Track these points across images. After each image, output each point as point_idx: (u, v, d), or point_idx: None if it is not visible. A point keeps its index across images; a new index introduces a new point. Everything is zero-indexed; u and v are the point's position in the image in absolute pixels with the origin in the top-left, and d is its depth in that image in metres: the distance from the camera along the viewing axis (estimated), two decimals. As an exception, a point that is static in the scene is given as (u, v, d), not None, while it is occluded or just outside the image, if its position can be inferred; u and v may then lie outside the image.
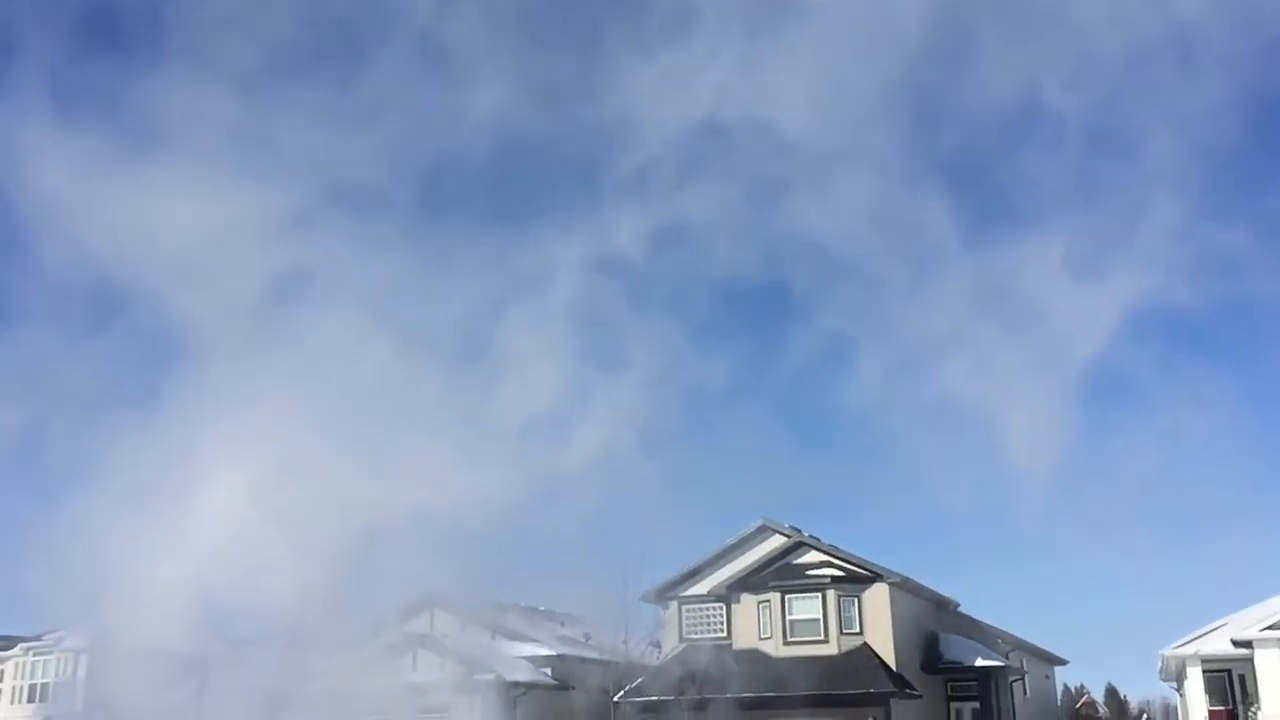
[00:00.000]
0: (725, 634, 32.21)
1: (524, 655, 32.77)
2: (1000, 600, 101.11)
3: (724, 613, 32.51)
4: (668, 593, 33.03)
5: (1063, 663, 44.69)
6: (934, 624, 34.01)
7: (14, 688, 38.31)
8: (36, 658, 37.63)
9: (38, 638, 36.85)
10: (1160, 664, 34.40)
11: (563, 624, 37.27)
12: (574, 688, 30.04)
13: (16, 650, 38.28)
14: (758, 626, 31.43)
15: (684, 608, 33.08)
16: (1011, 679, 34.32)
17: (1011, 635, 34.73)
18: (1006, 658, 33.43)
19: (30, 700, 37.16)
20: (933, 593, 33.99)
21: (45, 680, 37.13)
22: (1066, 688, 59.21)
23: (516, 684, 30.58)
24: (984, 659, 32.21)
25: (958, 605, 34.90)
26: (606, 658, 28.97)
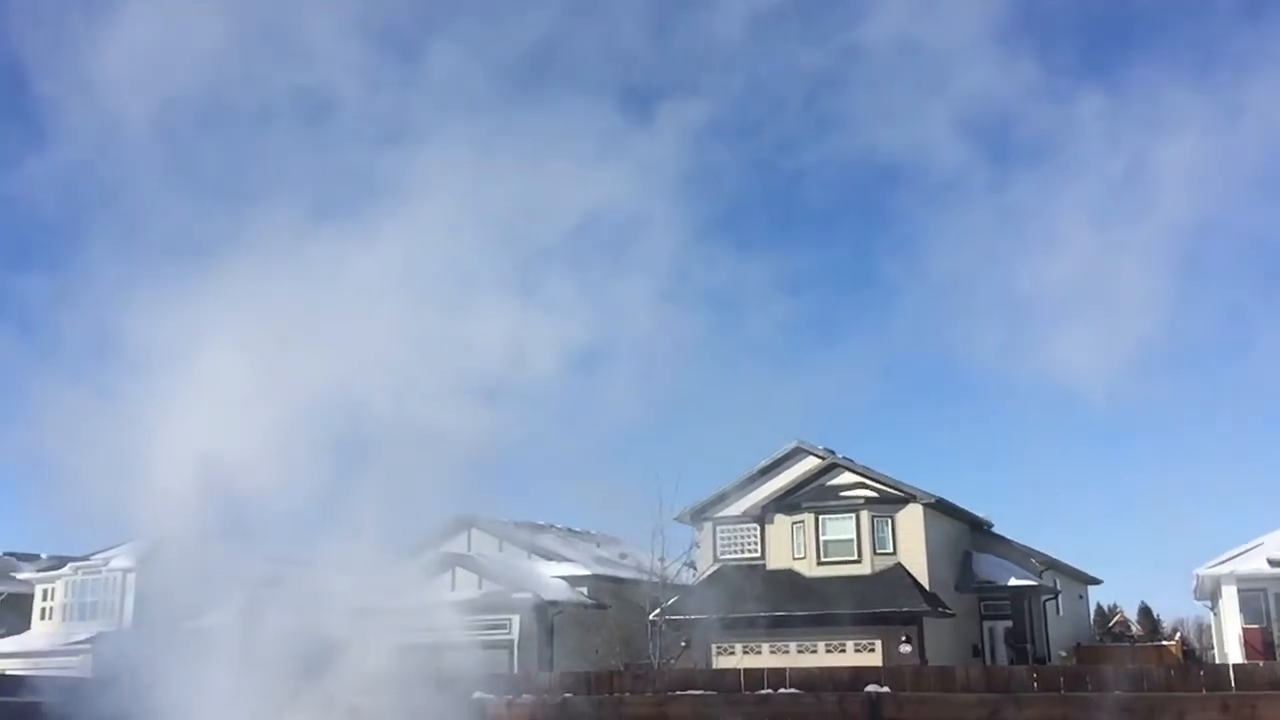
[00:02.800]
0: (759, 554, 32.48)
1: (560, 575, 33.17)
2: (1034, 521, 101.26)
3: (758, 533, 32.74)
4: (702, 514, 33.27)
5: (1096, 582, 44.77)
6: (967, 544, 34.10)
7: (64, 605, 39.35)
8: (85, 577, 38.54)
9: (86, 558, 37.68)
10: (1195, 583, 34.34)
11: (598, 545, 37.65)
12: (609, 607, 30.42)
13: (66, 570, 39.22)
14: (791, 547, 31.65)
15: (718, 529, 33.35)
16: (1044, 598, 34.45)
17: (1044, 555, 34.76)
18: (1039, 577, 33.52)
19: (80, 618, 38.16)
20: (966, 513, 34.03)
21: (94, 599, 38.10)
22: (1099, 607, 59.43)
23: (553, 603, 31.01)
24: (1017, 578, 32.32)
25: (991, 525, 34.94)
26: (642, 577, 29.25)
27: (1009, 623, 32.47)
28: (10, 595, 43.28)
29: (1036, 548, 34.77)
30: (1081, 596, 43.60)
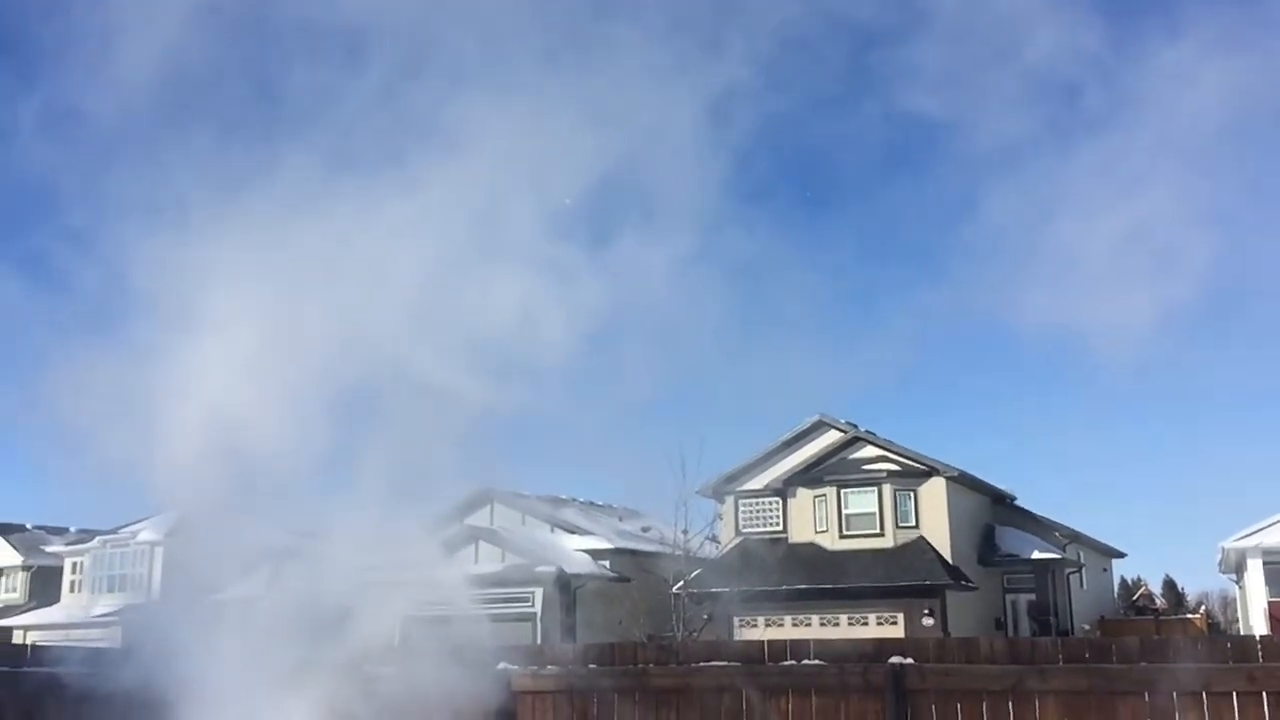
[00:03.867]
0: (781, 528, 32.51)
1: (583, 549, 33.31)
2: (1059, 494, 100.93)
3: (780, 507, 32.76)
4: (724, 487, 33.31)
5: (1120, 555, 44.63)
6: (990, 517, 34.03)
7: (93, 579, 39.85)
8: (114, 550, 39.02)
9: (113, 531, 38.11)
10: (1220, 556, 34.17)
11: (620, 518, 37.76)
12: (632, 580, 30.53)
13: (94, 543, 39.69)
14: (814, 520, 31.65)
15: (740, 502, 33.40)
16: (1068, 571, 34.37)
17: (1068, 528, 34.65)
18: (1063, 550, 33.42)
19: (109, 590, 38.64)
20: (989, 486, 33.94)
21: (122, 571, 38.56)
22: (1124, 580, 59.31)
23: (576, 576, 31.15)
24: (1040, 551, 32.25)
25: (1014, 499, 34.85)
26: (665, 551, 29.35)
27: (1032, 596, 32.44)
28: (39, 568, 43.89)
29: (1060, 521, 34.68)
30: (1105, 570, 43.48)
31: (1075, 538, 35.08)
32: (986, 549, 32.68)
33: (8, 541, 45.61)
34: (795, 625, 28.93)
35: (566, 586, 31.02)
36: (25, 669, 9.49)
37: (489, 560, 31.77)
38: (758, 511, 33.24)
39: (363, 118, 9.81)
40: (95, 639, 30.01)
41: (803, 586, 29.22)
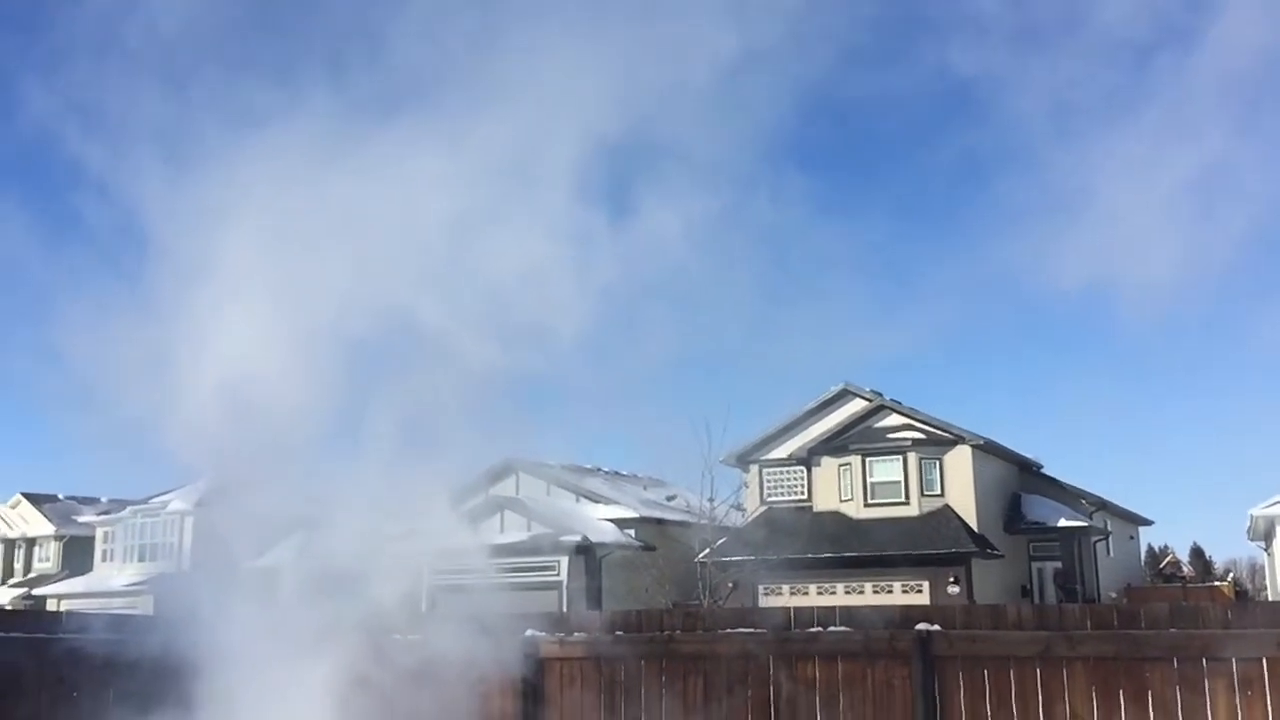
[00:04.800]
0: (806, 497, 32.51)
1: (608, 518, 33.43)
2: (1085, 462, 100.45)
3: (805, 476, 32.76)
4: (749, 456, 33.33)
5: (1147, 523, 44.41)
6: (1016, 485, 33.91)
7: (125, 548, 40.37)
8: (145, 519, 39.50)
9: (144, 501, 38.55)
10: (1249, 523, 33.97)
11: (645, 487, 37.87)
12: (657, 549, 30.64)
13: (126, 513, 40.19)
14: (838, 489, 31.63)
15: (765, 471, 33.42)
16: (1094, 539, 34.24)
17: (1095, 496, 34.48)
18: (1090, 518, 33.28)
19: (140, 559, 39.14)
20: (1016, 455, 33.80)
21: (153, 541, 39.04)
22: (1150, 548, 59.07)
23: (601, 545, 31.28)
24: (1067, 519, 32.13)
25: (1041, 467, 34.69)
26: (689, 520, 29.43)
27: (1058, 564, 32.35)
28: (72, 538, 44.51)
29: (1087, 489, 34.52)
30: (1132, 537, 43.29)
31: (1102, 505, 34.92)
32: (1012, 517, 32.59)
33: (41, 512, 46.27)
34: (820, 594, 28.97)
35: (591, 555, 31.17)
36: (53, 635, 9.59)
37: (514, 529, 31.95)
38: (782, 480, 33.26)
39: (391, 62, 9.55)
40: (128, 607, 30.44)
41: (828, 555, 29.24)
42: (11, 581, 45.85)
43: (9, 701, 8.90)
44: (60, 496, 46.28)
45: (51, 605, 37.62)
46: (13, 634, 9.28)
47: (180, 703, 8.71)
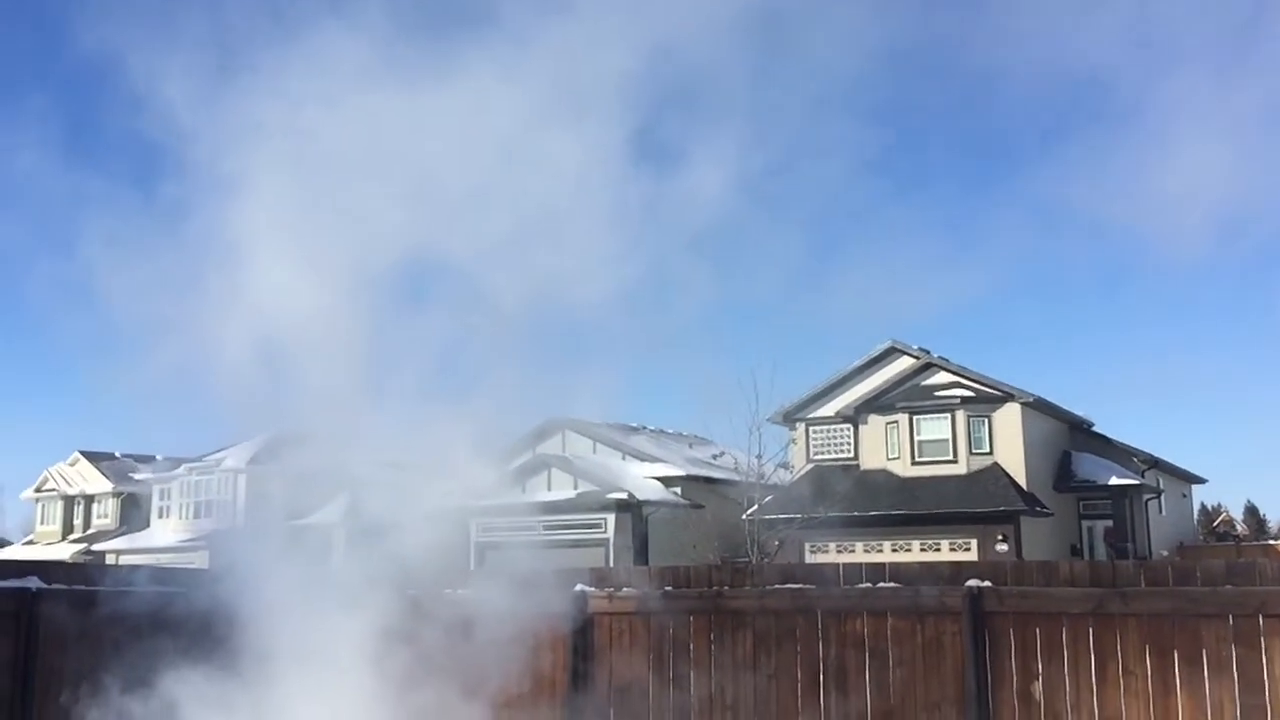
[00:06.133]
0: (853, 455, 32.41)
1: (654, 476, 33.56)
2: (1138, 420, 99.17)
3: (852, 434, 32.64)
4: (795, 414, 33.24)
5: (1201, 481, 43.86)
6: (1067, 443, 33.57)
7: (181, 505, 41.17)
8: (200, 477, 40.22)
9: (200, 459, 39.20)
10: (1305, 483, 33.40)
11: (691, 445, 37.94)
12: (704, 506, 30.72)
13: (181, 470, 40.92)
14: (885, 447, 31.49)
15: (811, 429, 33.33)
16: (1146, 497, 33.88)
17: (1147, 454, 34.06)
18: (1142, 476, 32.92)
19: (196, 516, 39.90)
20: (1066, 412, 33.44)
21: (208, 498, 39.76)
22: (1204, 506, 58.30)
23: (647, 502, 31.43)
24: (1118, 478, 31.78)
25: (1092, 425, 34.30)
26: (735, 478, 29.45)
27: (1109, 522, 32.03)
28: (129, 495, 45.42)
29: (1139, 447, 34.11)
30: (1185, 496, 42.77)
31: (1154, 463, 34.50)
32: (1062, 475, 32.28)
33: (99, 469, 47.23)
34: (867, 552, 28.93)
35: (637, 513, 31.33)
36: (98, 588, 9.72)
37: (561, 487, 32.19)
38: (829, 439, 33.16)
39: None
40: (183, 563, 31.04)
41: (874, 513, 29.17)
42: (72, 537, 46.94)
43: (53, 653, 9.07)
44: (117, 454, 47.16)
45: (110, 560, 38.47)
46: (54, 586, 9.42)
47: (224, 655, 8.84)
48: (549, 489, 32.27)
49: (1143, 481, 32.85)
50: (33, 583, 9.20)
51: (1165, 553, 34.06)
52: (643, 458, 35.14)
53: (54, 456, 50.29)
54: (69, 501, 48.14)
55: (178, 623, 9.22)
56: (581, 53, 8.87)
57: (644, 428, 38.67)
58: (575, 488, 32.00)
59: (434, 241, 9.14)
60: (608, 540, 31.04)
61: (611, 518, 31.30)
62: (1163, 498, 35.84)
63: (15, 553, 48.01)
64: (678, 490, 32.93)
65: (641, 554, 30.36)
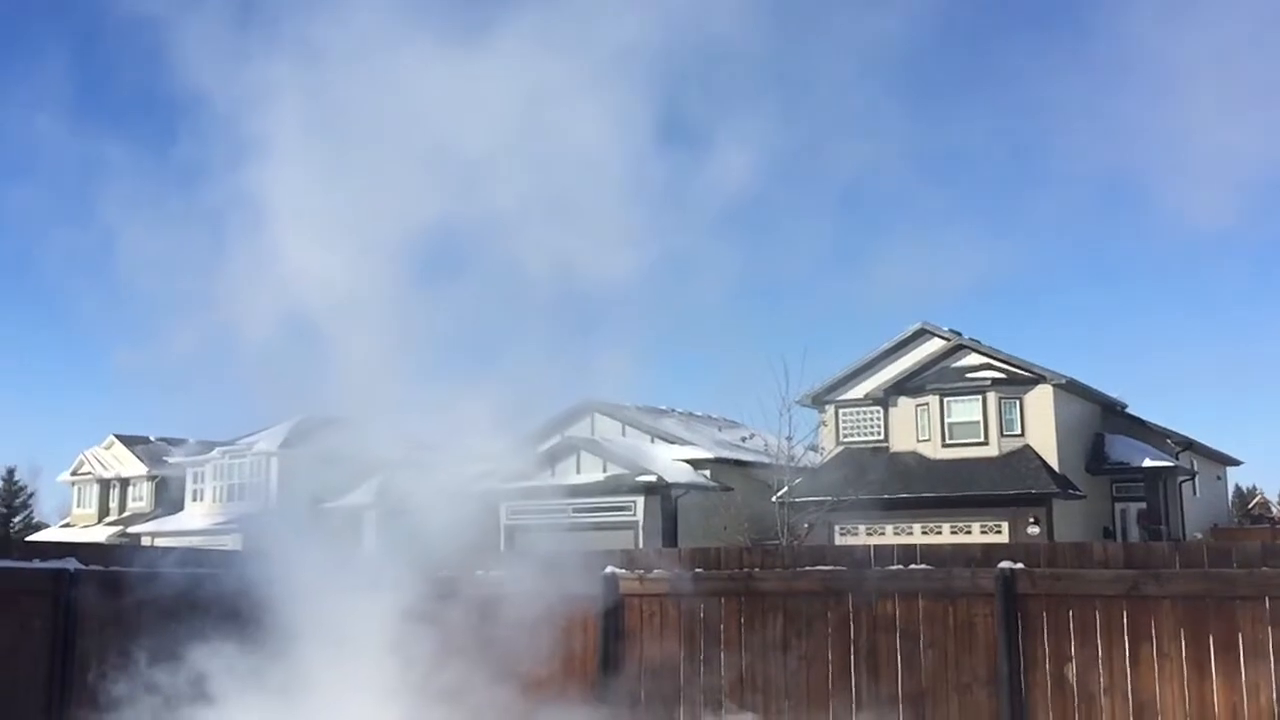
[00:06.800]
0: (883, 437, 32.27)
1: (683, 458, 33.54)
2: (1172, 402, 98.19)
3: (881, 416, 32.49)
4: (825, 397, 33.12)
5: (1236, 463, 43.40)
6: (1100, 425, 33.28)
7: (213, 488, 41.59)
8: (233, 460, 40.60)
9: (232, 442, 39.54)
10: (1343, 465, 32.99)
11: (720, 428, 37.88)
12: (732, 489, 30.70)
13: (214, 453, 41.32)
14: (915, 429, 31.33)
15: (841, 411, 33.21)
16: (1180, 479, 33.56)
17: (1181, 435, 33.72)
18: (1175, 458, 32.60)
19: (228, 499, 40.29)
20: (1099, 394, 33.15)
21: (240, 481, 40.14)
22: (1238, 488, 57.75)
23: (677, 485, 31.43)
24: (1151, 460, 31.49)
25: (1125, 406, 33.99)
26: (765, 460, 29.39)
27: (1142, 505, 31.76)
28: (164, 478, 45.91)
29: (1173, 428, 33.77)
30: (1219, 478, 42.33)
31: (1188, 445, 34.15)
32: (1095, 458, 32.03)
33: (133, 453, 47.77)
34: (897, 534, 28.85)
35: (667, 495, 31.34)
36: (132, 569, 9.80)
37: (590, 470, 32.25)
38: (859, 421, 33.04)
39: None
40: (216, 546, 31.35)
41: (904, 495, 29.05)
42: (107, 520, 47.54)
43: (90, 631, 9.16)
44: (151, 438, 47.66)
45: (145, 542, 38.91)
46: (91, 567, 9.50)
47: (254, 635, 8.91)
48: (578, 472, 32.34)
49: (1177, 464, 32.54)
50: (70, 564, 9.31)
51: (1199, 535, 33.75)
52: (672, 440, 35.14)
53: (89, 440, 51.03)
54: (104, 485, 48.73)
55: (209, 603, 9.29)
56: (613, 22, 8.75)
57: (673, 410, 38.65)
58: (604, 470, 32.05)
59: (459, 213, 9.08)
60: (637, 523, 31.09)
61: (640, 500, 31.33)
62: (1197, 480, 35.49)
63: (52, 535, 48.72)
64: (707, 473, 32.91)
65: (670, 537, 30.39)
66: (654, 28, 8.91)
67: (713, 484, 31.97)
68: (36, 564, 9.27)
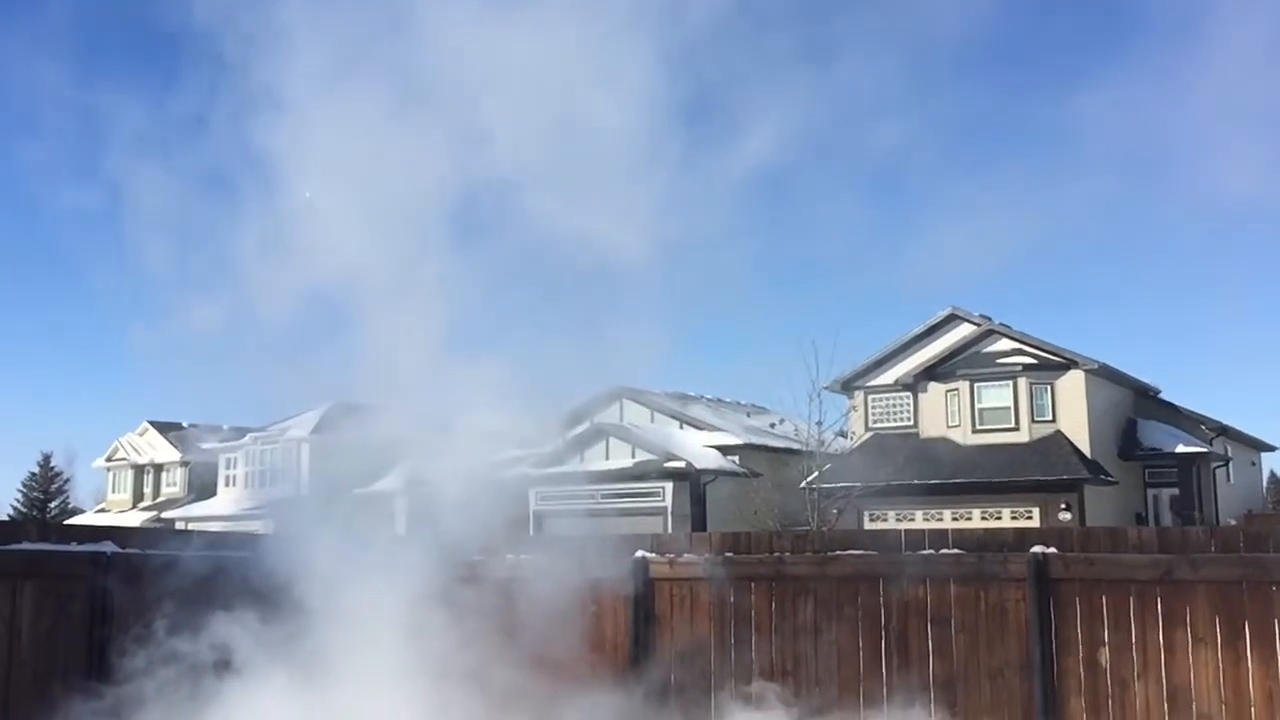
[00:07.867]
0: (912, 423, 32.15)
1: (712, 444, 33.54)
2: (1206, 386, 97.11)
3: (911, 402, 32.36)
4: (854, 382, 33.02)
5: (1270, 449, 42.95)
6: (1132, 410, 33.02)
7: (246, 474, 41.97)
8: (264, 446, 40.95)
9: (264, 429, 39.87)
10: (1381, 451, 32.59)
11: (749, 414, 37.84)
12: (761, 475, 30.68)
13: (246, 440, 41.69)
14: (945, 415, 31.19)
15: (870, 397, 33.09)
16: (1214, 465, 33.26)
17: (1215, 421, 33.40)
18: (1209, 444, 32.30)
19: (261, 485, 40.64)
20: (1132, 379, 32.87)
21: (272, 467, 40.48)
22: (1273, 474, 57.08)
23: (705, 471, 31.44)
24: (1185, 445, 31.22)
25: (1158, 392, 33.70)
26: (794, 446, 29.35)
27: (1175, 491, 31.51)
28: (197, 464, 46.37)
29: (1207, 414, 33.46)
30: (1254, 463, 41.92)
31: (1222, 431, 33.83)
32: (1127, 443, 31.78)
33: (167, 439, 48.26)
34: (926, 520, 28.75)
35: (695, 481, 31.37)
36: (158, 552, 9.87)
37: (619, 456, 32.31)
38: (888, 406, 32.91)
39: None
40: (251, 530, 31.65)
41: (934, 481, 28.94)
42: (142, 505, 48.09)
43: (126, 612, 9.25)
44: (184, 424, 48.12)
45: (179, 527, 39.33)
46: (128, 550, 9.59)
47: (283, 617, 8.96)
48: (607, 458, 32.41)
49: (1210, 449, 32.23)
50: (107, 547, 9.42)
51: (1233, 521, 33.42)
52: (700, 426, 35.14)
53: (124, 427, 51.52)
54: (139, 470, 49.27)
55: (241, 586, 9.36)
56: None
57: (702, 397, 38.64)
58: (633, 457, 32.10)
59: (484, 188, 9.05)
60: (665, 509, 31.14)
61: (669, 486, 31.37)
62: (1231, 466, 35.16)
63: (88, 520, 49.31)
64: (735, 459, 32.90)
65: (699, 523, 30.42)
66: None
67: (741, 470, 31.96)
68: (74, 547, 9.38)
